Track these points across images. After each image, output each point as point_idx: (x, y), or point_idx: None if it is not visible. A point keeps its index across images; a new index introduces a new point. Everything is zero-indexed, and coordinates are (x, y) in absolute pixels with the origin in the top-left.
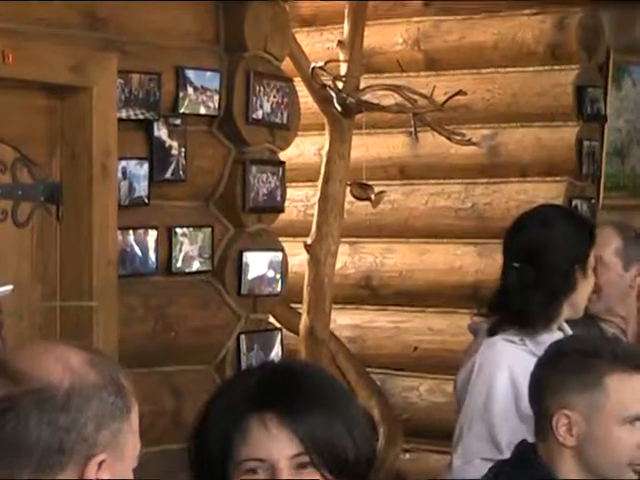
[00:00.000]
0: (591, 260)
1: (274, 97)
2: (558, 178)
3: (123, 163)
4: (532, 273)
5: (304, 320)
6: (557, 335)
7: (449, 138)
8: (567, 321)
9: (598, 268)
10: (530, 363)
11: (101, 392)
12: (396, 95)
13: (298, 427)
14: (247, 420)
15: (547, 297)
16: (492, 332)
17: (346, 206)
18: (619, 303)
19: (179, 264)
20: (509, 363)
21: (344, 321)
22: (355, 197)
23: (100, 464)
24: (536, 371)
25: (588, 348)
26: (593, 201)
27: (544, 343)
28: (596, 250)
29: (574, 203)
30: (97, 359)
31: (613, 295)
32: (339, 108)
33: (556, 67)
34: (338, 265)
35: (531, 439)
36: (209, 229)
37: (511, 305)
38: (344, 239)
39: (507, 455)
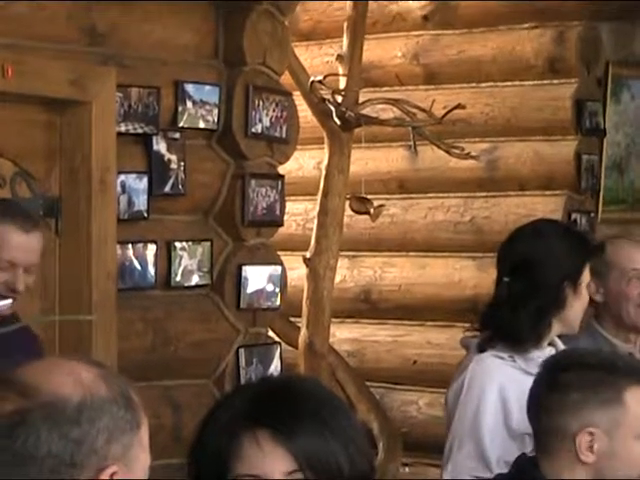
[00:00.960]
0: (585, 276)
1: (273, 111)
2: (557, 192)
3: (122, 177)
4: (521, 288)
5: (303, 334)
6: (548, 351)
7: (448, 152)
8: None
9: (635, 282)
10: (520, 380)
11: (111, 406)
12: (395, 109)
13: (292, 444)
14: (240, 437)
15: (535, 313)
16: (481, 348)
17: (345, 220)
18: None
19: (178, 278)
20: (498, 380)
21: (343, 335)
22: (354, 211)
23: (111, 476)
24: (538, 388)
25: (605, 363)
26: (592, 215)
27: (534, 360)
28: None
29: (573, 217)
30: (107, 374)
31: None
32: (338, 122)
33: (555, 81)
34: (337, 279)
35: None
36: (208, 243)
37: (501, 320)
38: (343, 253)
39: (497, 471)
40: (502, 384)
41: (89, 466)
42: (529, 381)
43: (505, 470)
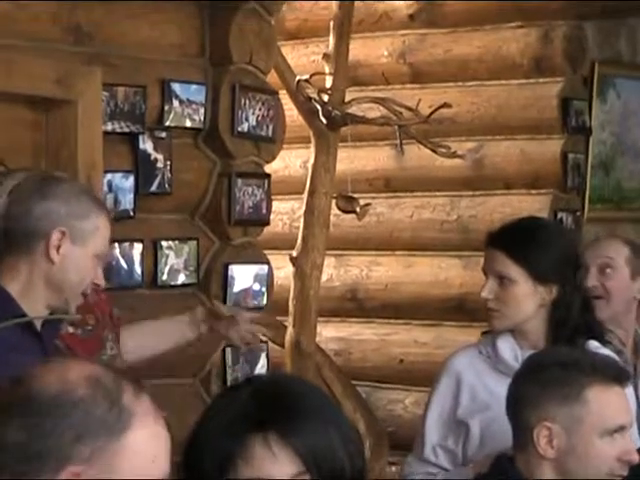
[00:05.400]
0: None
1: (259, 110)
2: (543, 190)
3: (108, 176)
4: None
5: (290, 333)
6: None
7: (434, 151)
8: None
9: (609, 272)
10: (483, 373)
11: (88, 405)
12: (381, 108)
13: (299, 445)
14: (248, 440)
15: None
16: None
17: (332, 219)
18: (625, 313)
19: (165, 277)
20: (459, 367)
21: (330, 334)
22: (340, 210)
23: (75, 477)
24: (514, 384)
25: (568, 360)
26: (578, 213)
27: (505, 359)
28: (607, 255)
29: (559, 215)
30: (103, 375)
31: (620, 302)
32: (324, 121)
33: (541, 80)
34: (324, 278)
35: (457, 447)
36: (194, 242)
37: None
38: (330, 252)
39: (430, 456)
40: (461, 371)
41: (53, 460)
42: (493, 377)
43: (440, 455)
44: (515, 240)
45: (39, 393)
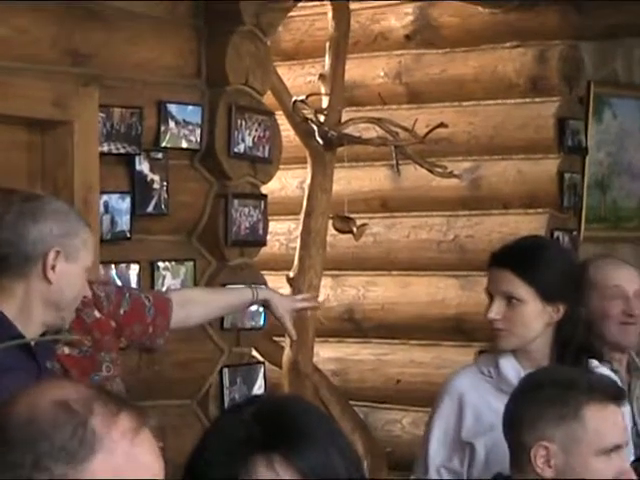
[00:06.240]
0: None
1: (256, 131)
2: (540, 210)
3: (105, 197)
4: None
5: (287, 353)
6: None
7: (431, 171)
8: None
9: (633, 301)
10: (486, 392)
11: (49, 431)
12: (378, 128)
13: (303, 466)
14: (252, 462)
15: None
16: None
17: (328, 239)
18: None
19: None
20: (461, 388)
21: (327, 354)
22: (337, 230)
23: None
24: (511, 403)
25: (564, 380)
26: (575, 233)
27: (508, 379)
28: (632, 284)
29: (556, 235)
30: (73, 399)
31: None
32: (321, 141)
33: (537, 99)
34: (321, 298)
35: (463, 468)
36: (191, 263)
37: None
38: (326, 272)
39: (434, 477)
40: (463, 392)
41: None
42: (497, 397)
43: (444, 476)
44: (522, 259)
45: (7, 422)
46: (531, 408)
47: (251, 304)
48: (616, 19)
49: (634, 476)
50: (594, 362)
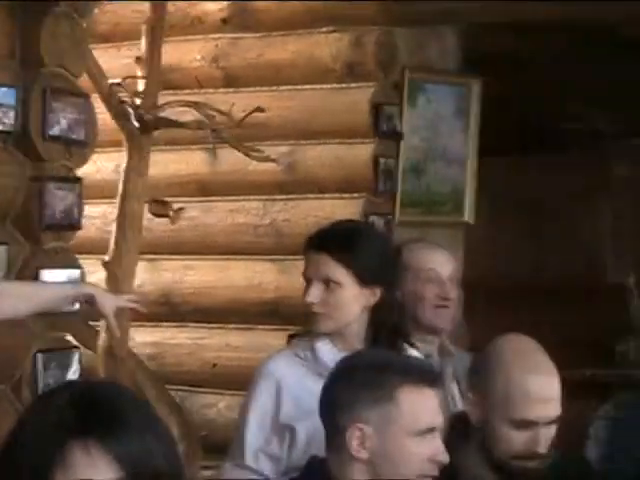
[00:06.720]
0: None
1: (71, 113)
2: (355, 195)
3: None
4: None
5: (102, 338)
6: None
7: (248, 155)
8: None
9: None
10: (303, 376)
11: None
12: (194, 112)
13: (119, 451)
14: (68, 447)
15: None
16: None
17: (144, 223)
18: None
19: None
20: (278, 372)
21: (143, 338)
22: (153, 214)
23: None
24: (327, 386)
25: (379, 362)
26: (390, 217)
27: (325, 362)
28: (446, 268)
29: (371, 219)
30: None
31: None
32: (137, 125)
33: (353, 85)
34: (137, 282)
35: (282, 451)
36: (4, 247)
37: None
38: (143, 256)
39: (251, 462)
40: (280, 376)
41: None
42: (315, 381)
43: (262, 461)
44: (339, 243)
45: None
46: (346, 390)
47: (73, 300)
48: (431, 6)
49: (448, 458)
50: (407, 346)
